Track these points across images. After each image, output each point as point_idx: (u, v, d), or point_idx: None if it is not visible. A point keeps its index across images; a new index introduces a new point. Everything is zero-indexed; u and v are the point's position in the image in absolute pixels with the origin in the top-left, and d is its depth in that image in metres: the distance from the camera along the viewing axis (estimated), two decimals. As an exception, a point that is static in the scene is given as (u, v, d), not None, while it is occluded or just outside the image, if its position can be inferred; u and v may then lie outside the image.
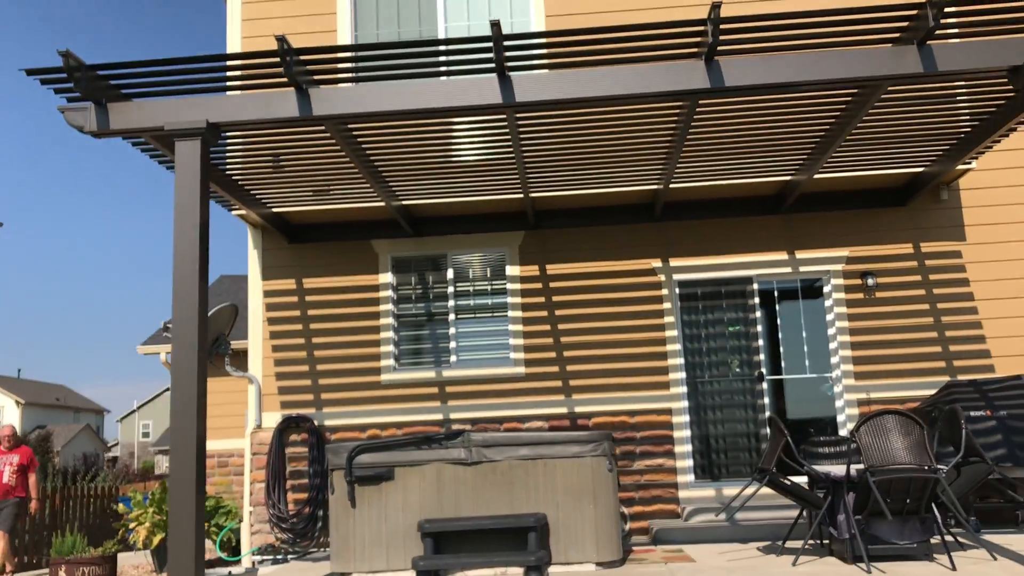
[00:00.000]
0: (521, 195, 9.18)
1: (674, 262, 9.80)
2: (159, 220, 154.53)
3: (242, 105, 6.04)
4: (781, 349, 9.68)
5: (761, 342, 9.68)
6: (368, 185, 8.78)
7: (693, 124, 7.25)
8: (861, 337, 9.54)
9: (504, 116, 6.80)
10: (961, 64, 6.06)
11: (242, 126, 6.11)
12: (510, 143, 7.52)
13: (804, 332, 9.70)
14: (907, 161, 8.85)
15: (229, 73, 6.12)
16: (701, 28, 5.94)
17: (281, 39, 5.59)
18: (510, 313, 9.85)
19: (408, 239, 10.03)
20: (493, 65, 6.04)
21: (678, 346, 9.64)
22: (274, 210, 9.42)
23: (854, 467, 6.95)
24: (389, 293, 9.96)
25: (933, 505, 6.82)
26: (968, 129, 8.07)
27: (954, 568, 6.42)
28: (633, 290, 9.78)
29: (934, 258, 9.65)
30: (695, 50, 6.15)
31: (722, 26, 5.85)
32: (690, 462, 9.46)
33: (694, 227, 9.83)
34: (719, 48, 6.01)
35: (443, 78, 6.19)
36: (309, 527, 9.50)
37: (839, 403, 9.52)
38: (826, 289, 9.73)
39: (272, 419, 9.84)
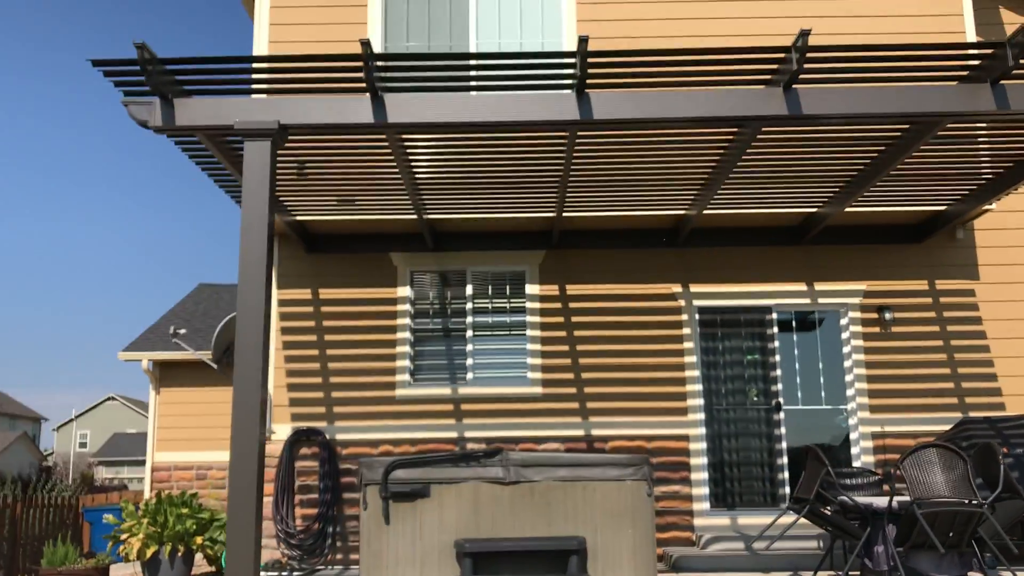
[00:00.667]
0: (552, 214, 9.13)
1: (694, 288, 9.82)
2: (96, 222, 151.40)
3: (314, 108, 5.91)
4: (798, 380, 9.73)
5: (779, 372, 9.72)
6: (397, 197, 8.67)
7: (749, 151, 7.29)
8: (876, 371, 9.64)
9: (565, 134, 6.76)
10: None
11: (313, 130, 5.97)
12: (561, 161, 7.48)
13: (820, 364, 9.77)
14: (932, 200, 9.00)
15: (296, 76, 5.98)
16: (781, 56, 5.98)
17: (366, 43, 5.48)
18: (528, 332, 9.77)
19: (428, 253, 9.91)
20: (570, 82, 5.99)
21: (696, 372, 9.64)
22: (298, 218, 9.24)
23: (896, 499, 6.97)
24: (407, 307, 9.82)
25: (972, 540, 6.87)
26: (992, 175, 8.23)
27: (997, 603, 6.47)
28: (653, 314, 9.77)
29: (948, 295, 9.80)
30: (769, 77, 6.18)
31: (808, 54, 5.88)
32: (706, 490, 9.43)
33: (715, 254, 9.86)
34: (800, 77, 6.04)
35: (518, 92, 6.13)
36: (318, 544, 9.27)
37: (854, 435, 9.59)
38: (843, 322, 9.82)
39: (282, 431, 9.60)
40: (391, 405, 9.64)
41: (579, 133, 6.85)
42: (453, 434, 9.55)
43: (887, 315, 9.67)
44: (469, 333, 9.80)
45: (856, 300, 9.78)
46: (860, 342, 9.70)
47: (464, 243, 9.86)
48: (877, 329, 9.73)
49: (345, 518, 9.41)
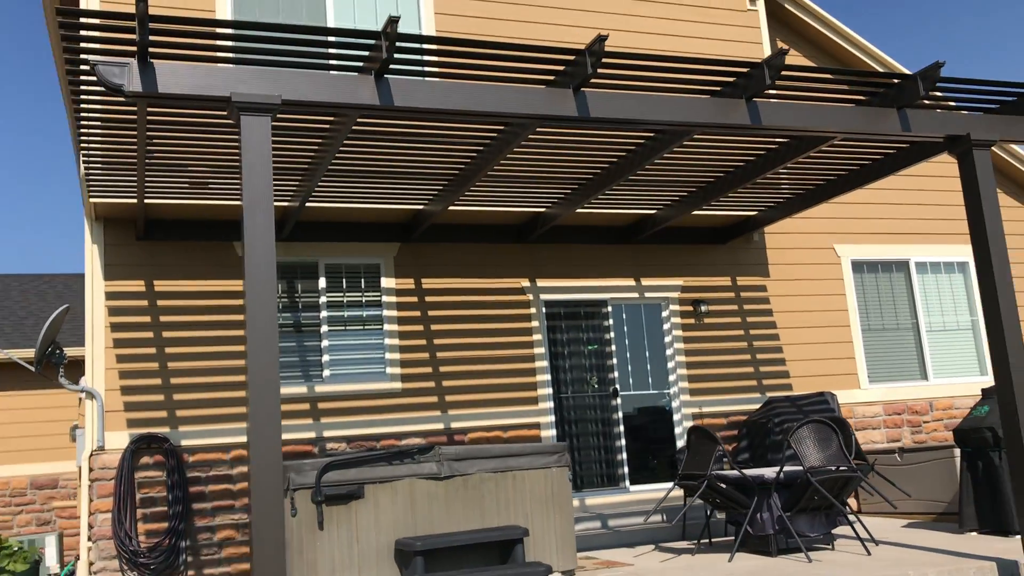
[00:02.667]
0: (420, 206, 9.06)
1: (541, 283, 10.22)
2: None
3: (319, 85, 5.44)
4: (629, 367, 10.49)
5: (615, 360, 10.42)
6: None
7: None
8: (694, 358, 10.68)
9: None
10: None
11: (311, 107, 5.50)
12: (480, 151, 7.48)
13: (647, 352, 10.62)
14: (740, 207, 10.13)
15: (300, 48, 5.49)
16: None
17: (395, 20, 5.18)
18: (385, 327, 9.59)
19: (277, 243, 9.34)
20: (552, 78, 6.10)
21: (545, 363, 10.05)
22: (130, 201, 8.26)
23: (784, 469, 7.88)
24: (255, 301, 9.17)
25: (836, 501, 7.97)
26: (791, 194, 9.49)
27: (868, 553, 7.59)
28: (504, 308, 10.02)
29: (747, 291, 11.11)
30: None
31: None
32: (558, 474, 9.87)
33: (559, 251, 10.34)
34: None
35: (526, 85, 6.10)
36: (171, 561, 8.40)
37: (676, 416, 10.54)
38: (664, 314, 10.75)
39: (118, 439, 8.56)
40: (242, 406, 8.98)
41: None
42: (311, 434, 9.11)
43: (701, 308, 10.74)
44: (324, 328, 9.39)
45: (675, 294, 10.75)
46: (679, 332, 10.68)
47: (316, 233, 9.43)
48: (693, 320, 10.78)
49: (196, 531, 8.62)
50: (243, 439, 8.87)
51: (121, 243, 8.88)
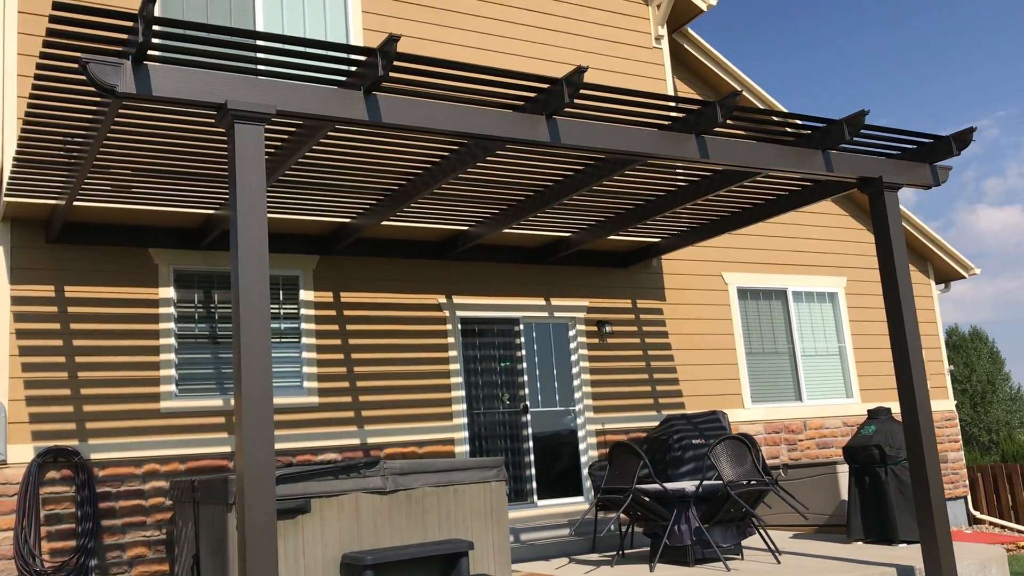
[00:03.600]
0: (348, 219, 9.06)
1: (457, 299, 10.36)
2: None
3: (310, 97, 5.42)
4: (538, 384, 10.78)
5: (525, 377, 10.68)
6: (178, 186, 7.82)
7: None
8: (598, 376, 11.08)
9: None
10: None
11: (301, 118, 5.47)
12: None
13: (555, 370, 10.94)
14: (654, 234, 10.65)
15: (295, 60, 5.47)
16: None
17: (396, 39, 5.26)
18: (304, 340, 9.48)
19: (193, 252, 9.09)
20: (522, 103, 6.33)
21: (460, 379, 10.19)
22: (38, 201, 7.87)
23: (703, 484, 8.33)
24: (170, 310, 8.91)
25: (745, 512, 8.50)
26: (693, 225, 10.07)
27: (778, 561, 8.15)
28: (421, 323, 10.10)
29: (645, 313, 11.63)
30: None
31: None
32: (470, 489, 10.00)
33: (474, 268, 10.52)
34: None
35: (512, 112, 6.25)
36: (79, 581, 8.00)
37: (581, 432, 10.90)
38: (571, 333, 11.11)
39: (21, 453, 8.09)
40: (156, 419, 8.66)
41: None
42: (227, 448, 8.89)
43: (606, 328, 11.17)
44: (241, 339, 9.18)
45: (581, 315, 11.14)
46: (585, 351, 11.07)
47: (223, 241, 9.23)
48: (597, 340, 11.19)
49: (106, 548, 8.23)
50: (156, 452, 8.56)
51: (29, 245, 8.43)
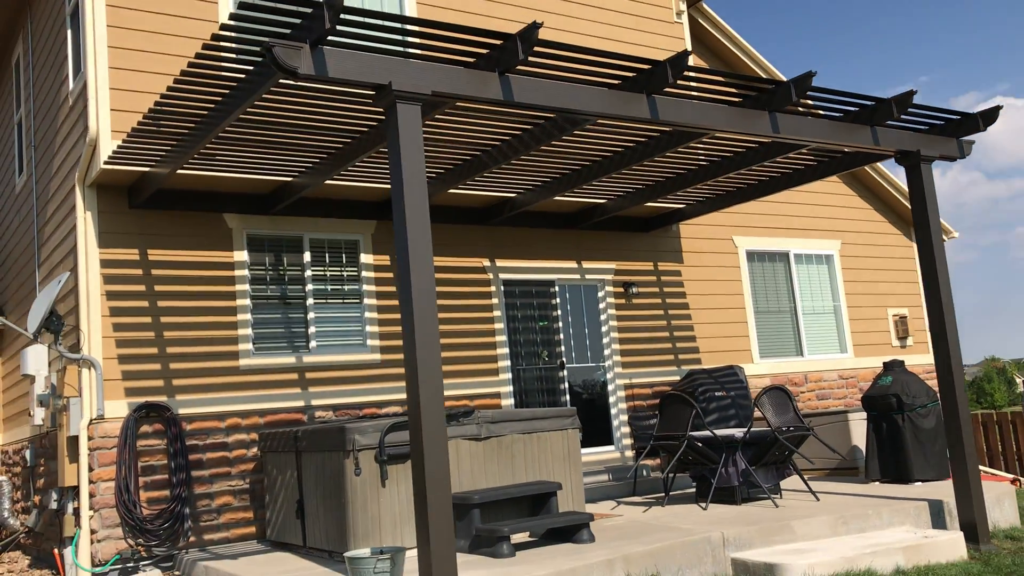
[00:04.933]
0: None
1: (500, 263, 10.97)
2: None
3: (459, 79, 5.95)
4: (572, 342, 11.48)
5: (561, 336, 11.36)
6: (259, 154, 8.24)
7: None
8: (625, 334, 11.82)
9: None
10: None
11: (449, 98, 6.00)
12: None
13: (587, 329, 11.64)
14: (671, 201, 11.36)
15: (443, 44, 5.98)
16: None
17: (538, 26, 5.81)
18: (365, 301, 10.01)
19: (264, 216, 9.53)
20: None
21: (504, 338, 10.83)
22: (126, 167, 8.26)
23: (751, 430, 9.13)
24: (244, 272, 9.36)
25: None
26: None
27: (817, 499, 9.02)
28: (468, 285, 10.70)
29: (666, 275, 12.38)
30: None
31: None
32: (517, 440, 10.70)
33: (514, 234, 11.12)
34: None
35: (609, 89, 6.85)
36: (176, 526, 8.50)
37: (611, 386, 11.65)
38: (600, 294, 11.81)
39: (116, 408, 8.52)
40: (235, 376, 9.15)
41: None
42: (300, 403, 9.42)
43: (632, 289, 11.90)
44: (309, 301, 9.69)
45: (610, 276, 11.84)
46: (613, 311, 11.78)
47: (301, 208, 9.68)
48: (624, 300, 11.91)
49: (196, 497, 8.74)
50: (237, 407, 9.05)
51: (114, 210, 8.80)
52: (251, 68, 6.17)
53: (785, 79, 8.05)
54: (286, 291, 9.62)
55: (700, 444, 9.03)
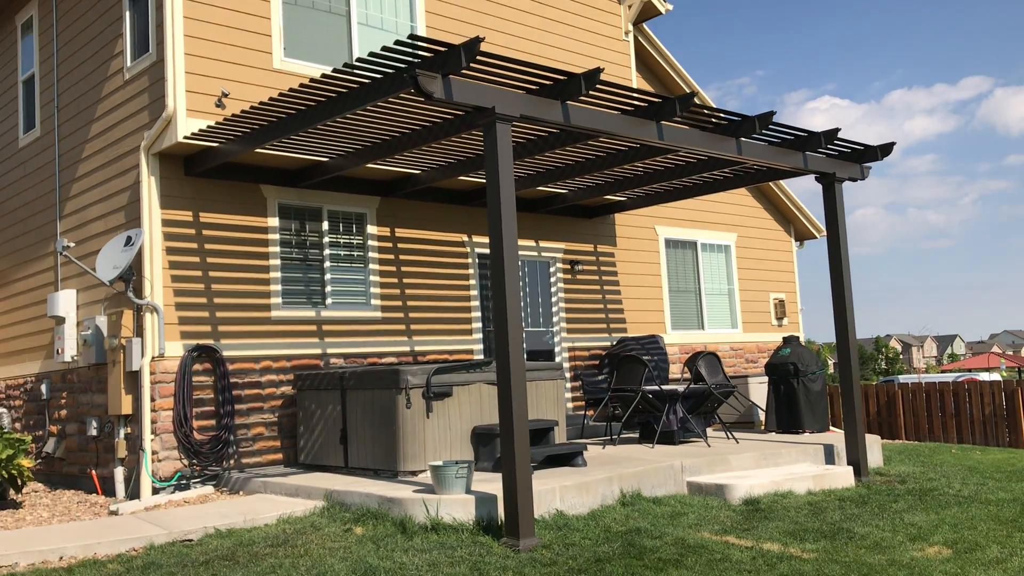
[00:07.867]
0: (417, 171, 11.28)
1: (475, 238, 12.80)
2: None
3: (533, 105, 7.76)
4: (529, 309, 13.46)
5: (521, 304, 13.30)
6: (302, 138, 9.81)
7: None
8: (570, 304, 13.90)
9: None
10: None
11: (528, 120, 7.79)
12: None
13: (539, 299, 13.65)
14: (626, 195, 13.50)
15: (521, 76, 7.75)
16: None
17: (599, 71, 7.69)
18: (370, 266, 11.64)
19: (291, 188, 11.01)
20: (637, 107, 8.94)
21: (477, 303, 12.69)
22: (187, 140, 9.64)
23: (688, 386, 11.40)
24: (276, 236, 10.82)
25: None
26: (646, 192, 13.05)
27: (737, 442, 11.42)
28: (452, 256, 12.48)
29: (603, 256, 14.53)
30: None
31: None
32: (485, 390, 12.60)
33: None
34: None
35: (630, 117, 8.79)
36: (223, 450, 9.98)
37: (557, 348, 13.72)
38: (551, 270, 13.83)
39: (173, 348, 9.89)
40: (267, 325, 10.64)
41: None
42: (318, 351, 11.01)
43: (577, 266, 13.98)
44: (327, 264, 11.24)
45: (559, 255, 13.87)
46: (561, 284, 13.84)
47: (321, 183, 11.20)
48: (569, 276, 13.98)
49: (236, 427, 10.23)
50: (268, 352, 10.56)
51: (172, 177, 10.10)
52: (367, 82, 7.79)
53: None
54: (308, 254, 11.14)
55: (651, 396, 11.24)
